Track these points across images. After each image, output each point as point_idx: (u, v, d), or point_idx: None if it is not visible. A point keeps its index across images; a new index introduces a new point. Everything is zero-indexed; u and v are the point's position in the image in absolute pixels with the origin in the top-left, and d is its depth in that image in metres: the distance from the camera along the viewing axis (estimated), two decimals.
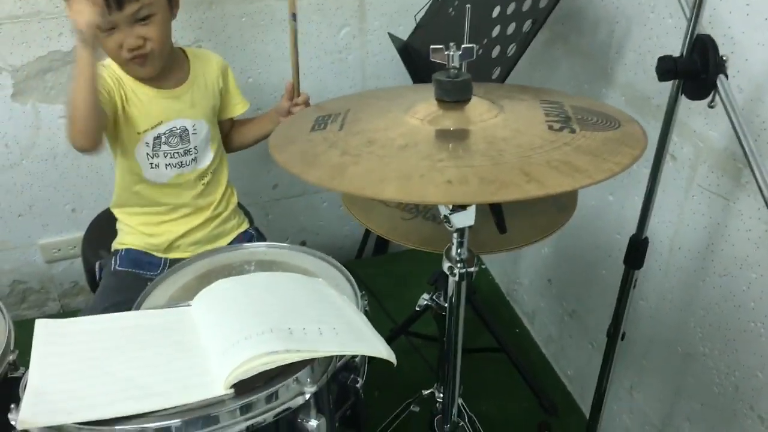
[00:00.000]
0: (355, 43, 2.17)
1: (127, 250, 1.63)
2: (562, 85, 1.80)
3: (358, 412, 1.28)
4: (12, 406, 0.88)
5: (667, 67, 1.10)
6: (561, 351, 2.08)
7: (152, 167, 1.56)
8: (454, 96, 0.91)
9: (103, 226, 1.80)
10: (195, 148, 1.59)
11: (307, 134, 0.91)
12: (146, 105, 1.51)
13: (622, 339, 1.42)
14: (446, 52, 0.89)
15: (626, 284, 1.34)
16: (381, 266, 2.48)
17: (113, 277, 1.59)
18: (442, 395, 1.43)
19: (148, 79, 1.51)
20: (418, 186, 0.75)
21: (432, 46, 0.91)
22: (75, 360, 0.93)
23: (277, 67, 2.12)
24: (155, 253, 1.64)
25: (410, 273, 2.39)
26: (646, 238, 1.30)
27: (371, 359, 1.23)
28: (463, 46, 0.90)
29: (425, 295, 1.48)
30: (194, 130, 1.57)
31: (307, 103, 1.68)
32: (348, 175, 0.78)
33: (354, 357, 1.23)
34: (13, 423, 0.87)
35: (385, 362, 1.69)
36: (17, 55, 1.88)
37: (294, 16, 1.61)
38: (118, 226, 1.69)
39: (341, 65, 2.19)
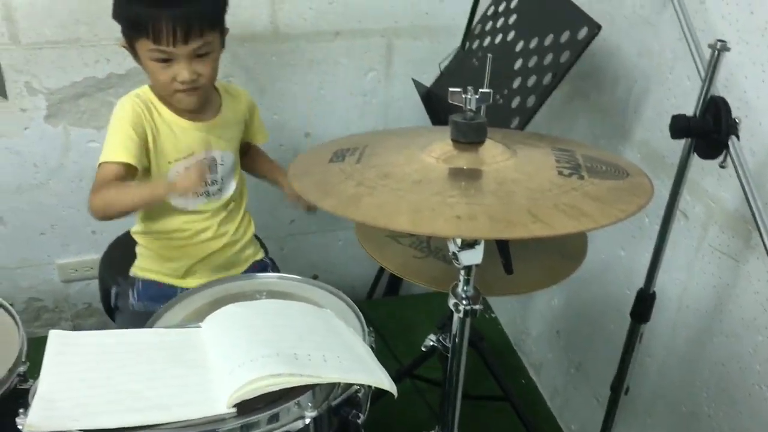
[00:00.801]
0: (380, 87, 2.23)
1: (144, 283, 1.65)
2: (579, 139, 1.83)
3: None
4: (20, 411, 0.91)
5: (680, 126, 1.13)
6: (566, 404, 2.06)
7: (180, 195, 1.58)
8: (469, 137, 0.94)
9: (121, 250, 1.83)
10: (222, 179, 1.62)
11: (326, 165, 0.95)
12: (179, 136, 1.55)
13: (626, 393, 1.42)
14: (464, 95, 0.93)
15: (632, 338, 1.35)
16: (391, 308, 2.49)
17: (130, 316, 1.61)
18: None
19: (183, 112, 1.55)
20: (429, 219, 0.77)
21: (450, 89, 0.95)
22: (84, 370, 0.95)
23: (303, 106, 2.18)
24: (173, 282, 1.65)
25: (419, 317, 2.40)
26: (654, 293, 1.31)
27: (375, 398, 1.25)
28: (480, 90, 0.94)
29: (432, 336, 1.48)
30: (222, 161, 1.61)
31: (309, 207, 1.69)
32: (362, 205, 0.81)
33: (357, 392, 1.24)
34: (20, 428, 0.89)
35: (387, 404, 1.70)
36: (53, 79, 1.95)
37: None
38: (138, 249, 1.70)
39: (366, 107, 2.24)
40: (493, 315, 2.53)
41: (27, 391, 1.23)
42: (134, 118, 1.49)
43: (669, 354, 1.55)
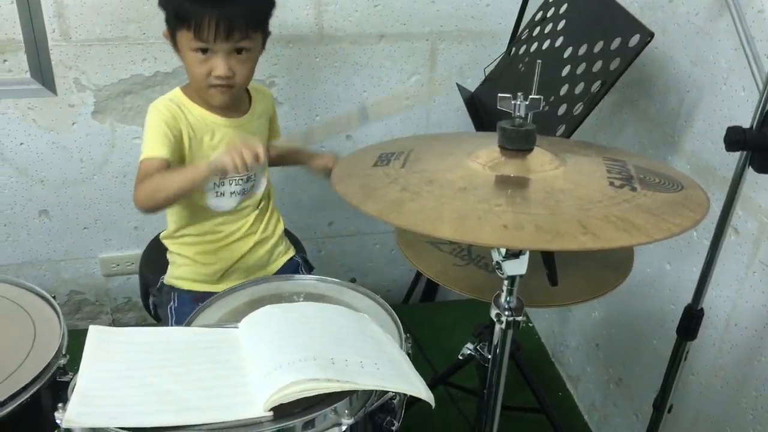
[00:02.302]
0: (423, 91, 2.21)
1: (180, 298, 1.64)
2: (627, 148, 1.80)
3: None
4: (59, 405, 0.91)
5: (735, 138, 1.09)
6: (604, 419, 2.02)
7: (217, 195, 1.59)
8: (517, 144, 0.92)
9: (162, 247, 1.85)
10: (254, 175, 1.63)
11: (369, 169, 0.94)
12: (215, 133, 1.55)
13: (669, 412, 1.37)
14: (513, 102, 0.91)
15: (678, 355, 1.31)
16: (427, 314, 2.47)
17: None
18: None
19: (216, 108, 1.55)
20: (474, 227, 0.75)
21: (500, 95, 0.93)
22: (122, 368, 0.95)
23: (346, 107, 2.17)
24: (208, 288, 1.64)
25: (455, 323, 2.38)
26: (702, 310, 1.27)
27: (409, 405, 1.23)
28: (530, 96, 0.92)
29: (469, 345, 1.47)
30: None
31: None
32: (405, 210, 0.80)
33: (392, 399, 1.23)
34: (58, 422, 0.90)
35: (421, 411, 1.68)
36: (102, 76, 1.98)
37: None
38: (170, 257, 1.70)
39: (407, 111, 2.23)
40: (530, 324, 2.49)
41: (66, 384, 1.25)
42: (169, 119, 1.50)
43: (714, 373, 1.51)
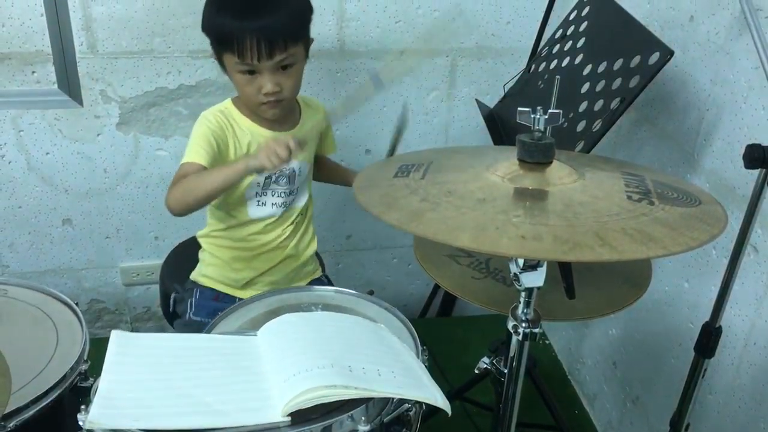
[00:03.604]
0: (442, 107, 2.23)
1: (203, 293, 1.67)
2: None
3: None
4: (82, 407, 0.93)
5: (755, 155, 1.09)
6: None
7: (259, 204, 1.61)
8: (536, 157, 0.93)
9: (182, 257, 1.88)
10: (297, 189, 1.65)
11: (390, 179, 0.95)
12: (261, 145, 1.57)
13: (686, 431, 1.37)
14: (532, 115, 0.92)
15: (695, 373, 1.30)
16: (443, 328, 2.47)
17: (188, 329, 1.64)
18: None
19: (265, 122, 1.58)
20: (492, 237, 0.77)
21: (519, 108, 0.94)
22: (144, 371, 0.97)
23: (364, 122, 2.19)
24: (231, 292, 1.67)
25: (472, 339, 2.38)
26: (720, 327, 1.26)
27: (424, 419, 1.23)
28: (549, 111, 0.93)
29: (485, 359, 1.47)
30: (299, 171, 1.63)
31: None
32: (425, 220, 0.81)
33: (408, 410, 1.23)
34: (81, 423, 0.92)
35: (437, 425, 1.67)
36: (127, 88, 2.02)
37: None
38: (202, 255, 1.73)
39: (426, 126, 2.25)
40: (547, 342, 2.48)
41: (87, 389, 1.27)
42: (217, 129, 1.53)
43: (732, 392, 1.50)
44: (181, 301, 1.70)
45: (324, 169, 1.83)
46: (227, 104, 1.59)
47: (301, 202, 1.68)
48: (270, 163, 1.32)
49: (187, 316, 1.66)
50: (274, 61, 1.45)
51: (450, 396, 1.93)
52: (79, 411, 0.95)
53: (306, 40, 1.54)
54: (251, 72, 1.47)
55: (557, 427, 1.91)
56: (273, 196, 1.62)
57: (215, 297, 1.67)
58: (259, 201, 1.61)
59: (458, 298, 2.52)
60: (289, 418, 0.89)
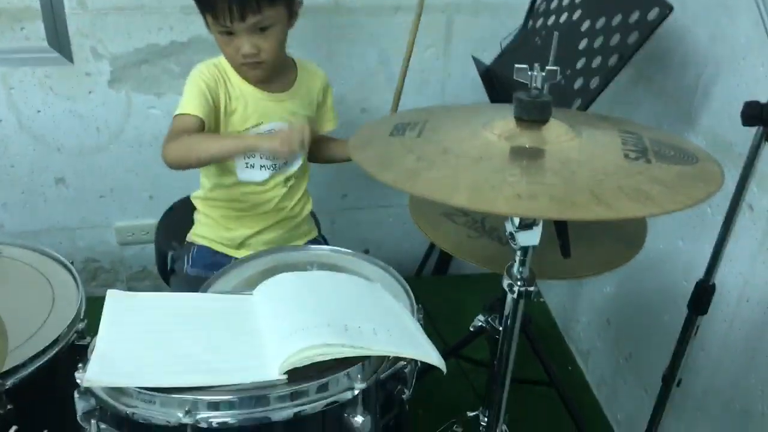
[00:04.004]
0: (438, 64, 2.21)
1: (200, 250, 1.68)
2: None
3: (401, 423, 1.29)
4: (79, 366, 0.94)
5: (752, 113, 1.09)
6: (613, 394, 2.03)
7: (247, 166, 1.61)
8: (533, 115, 0.92)
9: (177, 216, 1.87)
10: None
11: (386, 138, 0.94)
12: (250, 105, 1.56)
13: (678, 385, 1.39)
14: (530, 72, 0.91)
15: (688, 329, 1.32)
16: (438, 287, 2.48)
17: (183, 282, 1.65)
18: (486, 419, 1.43)
19: (259, 81, 1.57)
20: (489, 196, 0.76)
21: (516, 65, 0.93)
22: (140, 331, 0.98)
23: (360, 80, 2.17)
24: (227, 251, 1.68)
25: (467, 297, 2.39)
26: (714, 285, 1.27)
27: (419, 376, 1.25)
28: (547, 67, 0.92)
29: (480, 317, 1.48)
30: None
31: None
32: (421, 179, 0.81)
33: (404, 367, 1.25)
34: (78, 381, 0.92)
35: (432, 381, 1.69)
36: (118, 45, 1.99)
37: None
38: (196, 216, 1.74)
39: (422, 84, 2.22)
40: (542, 300, 2.50)
41: (84, 348, 1.28)
42: (210, 81, 1.53)
43: (724, 348, 1.51)
44: (179, 258, 1.71)
45: (323, 149, 1.78)
46: (221, 59, 1.58)
47: (294, 166, 1.67)
48: (284, 152, 1.38)
49: (184, 270, 1.66)
50: (248, 23, 1.44)
51: (445, 353, 1.95)
52: (76, 369, 0.95)
53: (288, 3, 1.51)
54: (229, 33, 1.46)
55: (551, 383, 1.93)
56: (261, 158, 1.61)
57: (212, 254, 1.68)
58: (247, 163, 1.61)
59: (452, 256, 2.54)
60: (286, 376, 0.90)
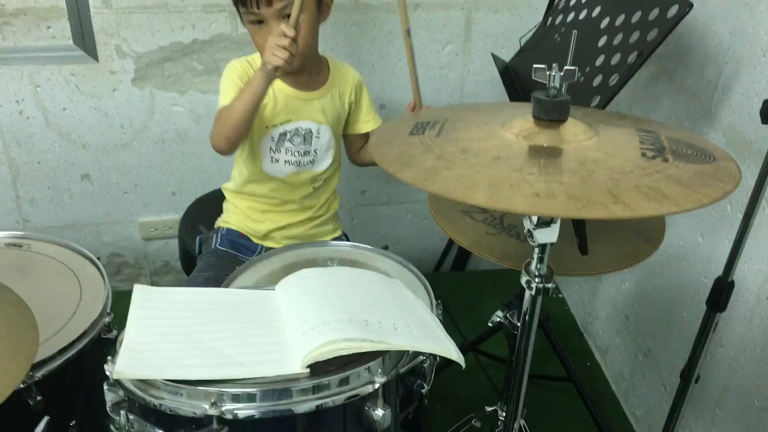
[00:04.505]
0: (457, 60, 2.22)
1: (228, 230, 1.73)
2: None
3: (420, 417, 1.31)
4: (108, 358, 0.97)
5: None
6: (631, 390, 2.04)
7: (272, 161, 1.64)
8: (551, 115, 0.93)
9: (200, 211, 1.91)
10: (315, 151, 1.66)
11: (406, 137, 0.96)
12: (280, 101, 1.59)
13: (696, 382, 1.39)
14: (548, 72, 0.92)
15: (707, 326, 1.32)
16: (457, 282, 2.50)
17: (213, 255, 1.69)
18: (504, 413, 1.44)
19: (287, 78, 1.59)
20: (507, 195, 0.78)
21: (535, 65, 0.94)
22: (167, 324, 1.00)
23: (381, 76, 2.19)
24: (252, 238, 1.72)
25: (485, 293, 2.40)
26: (732, 282, 1.28)
27: (439, 370, 1.27)
28: (565, 67, 0.93)
29: (499, 313, 1.49)
30: (318, 134, 1.64)
31: None
32: (440, 178, 0.82)
33: (423, 362, 1.27)
34: (108, 374, 0.95)
35: (451, 376, 1.70)
36: (141, 43, 2.02)
37: (409, 31, 1.64)
38: (225, 205, 1.79)
39: (441, 81, 2.24)
40: (560, 295, 2.51)
41: (110, 341, 1.31)
42: (242, 73, 1.57)
43: (744, 346, 1.51)
44: (207, 239, 1.76)
45: (362, 151, 1.81)
46: (255, 56, 1.61)
47: (321, 166, 1.69)
48: (277, 58, 1.39)
49: (213, 246, 1.71)
50: (275, 7, 1.46)
51: (463, 348, 1.98)
52: (104, 362, 0.98)
53: None
54: (259, 22, 1.49)
55: (569, 378, 1.94)
56: (286, 153, 1.63)
57: (239, 235, 1.73)
58: (272, 157, 1.64)
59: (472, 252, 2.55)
60: (308, 370, 0.92)
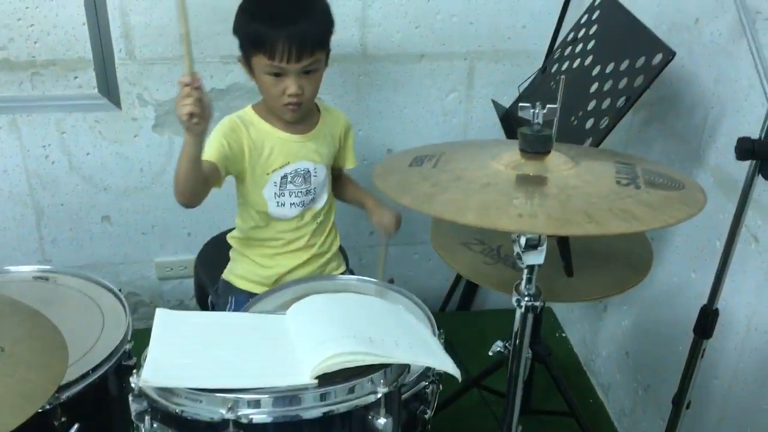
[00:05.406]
0: (460, 108, 2.33)
1: (237, 299, 1.77)
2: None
3: None
4: (133, 371, 1.05)
5: (745, 147, 1.18)
6: (633, 425, 2.08)
7: (278, 205, 1.72)
8: (535, 147, 1.03)
9: (214, 251, 1.99)
10: (314, 189, 1.75)
11: (406, 168, 1.06)
12: (275, 147, 1.68)
13: (687, 408, 1.44)
14: (532, 110, 1.02)
15: (695, 353, 1.39)
16: (463, 321, 2.55)
17: None
18: None
19: (282, 124, 1.69)
20: (494, 215, 0.87)
21: (520, 104, 1.04)
22: (187, 342, 1.09)
23: (387, 123, 2.29)
24: (262, 290, 1.75)
25: (490, 332, 2.45)
26: (717, 310, 1.35)
27: (444, 405, 1.32)
28: (548, 105, 1.03)
29: (499, 342, 1.56)
30: (315, 172, 1.73)
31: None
32: (436, 201, 0.91)
33: (425, 388, 1.34)
34: (133, 385, 1.03)
35: (456, 410, 1.75)
36: (162, 92, 2.14)
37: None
38: (232, 255, 1.84)
39: (445, 127, 2.34)
40: (563, 335, 2.56)
41: (130, 368, 1.39)
42: (228, 132, 1.64)
43: (736, 376, 1.56)
44: (217, 304, 1.82)
45: (341, 186, 1.91)
46: (247, 110, 1.71)
47: (320, 202, 1.78)
48: (181, 111, 1.38)
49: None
50: (302, 64, 1.56)
51: (468, 384, 2.04)
52: (122, 387, 1.07)
53: (328, 49, 1.65)
54: (278, 74, 1.58)
55: (572, 413, 1.99)
56: (291, 196, 1.72)
57: (249, 296, 1.76)
58: (278, 202, 1.72)
59: (476, 292, 2.61)
60: (317, 381, 1.00)
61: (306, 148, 1.72)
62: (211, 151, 1.60)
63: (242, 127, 1.66)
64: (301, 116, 1.68)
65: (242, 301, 1.76)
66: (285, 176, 1.70)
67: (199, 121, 1.40)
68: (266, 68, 1.58)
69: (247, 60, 1.63)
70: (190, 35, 1.39)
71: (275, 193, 1.71)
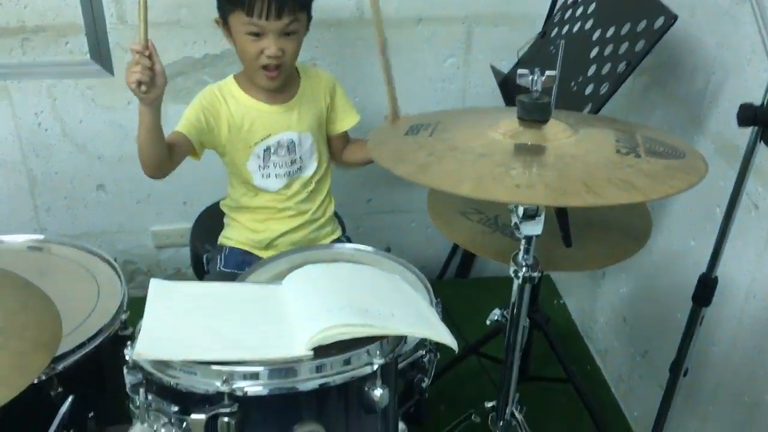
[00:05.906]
0: (458, 73, 2.29)
1: (231, 250, 1.78)
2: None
3: (420, 410, 1.38)
4: (127, 343, 1.04)
5: (747, 114, 1.16)
6: (630, 391, 2.08)
7: (263, 177, 1.71)
8: (534, 116, 1.01)
9: (210, 220, 1.98)
10: (300, 158, 1.73)
11: (401, 137, 1.04)
12: (257, 120, 1.66)
13: (685, 375, 1.44)
14: (530, 77, 1.00)
15: (693, 321, 1.38)
16: (460, 289, 2.55)
17: (219, 276, 1.75)
18: (496, 402, 1.49)
19: (262, 95, 1.66)
20: (491, 186, 0.85)
21: (518, 71, 1.02)
22: (182, 313, 1.08)
23: (383, 90, 2.23)
24: (256, 252, 1.78)
25: (488, 299, 2.40)
26: (716, 278, 1.34)
27: (442, 372, 1.32)
28: (546, 72, 1.00)
29: (497, 311, 1.55)
30: (300, 141, 1.71)
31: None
32: (431, 171, 0.90)
33: (422, 357, 1.33)
34: (127, 358, 1.03)
35: (456, 378, 1.75)
36: None
37: (385, 47, 1.64)
38: (226, 221, 1.85)
39: (443, 93, 2.31)
40: (562, 302, 2.56)
41: (126, 338, 1.39)
42: (209, 106, 1.63)
43: (734, 343, 1.56)
44: (212, 259, 1.82)
45: (351, 151, 1.85)
46: (228, 80, 1.68)
47: (309, 170, 1.76)
48: (129, 78, 1.37)
49: (218, 268, 1.77)
50: (282, 22, 1.52)
51: (466, 351, 2.04)
52: (119, 357, 1.06)
53: (309, 12, 1.61)
54: (257, 34, 1.54)
55: (569, 380, 1.99)
56: (275, 167, 1.70)
57: (242, 253, 1.78)
58: (263, 174, 1.70)
59: (474, 260, 2.60)
60: (312, 353, 0.99)
61: (287, 118, 1.69)
62: (184, 123, 1.60)
63: (221, 100, 1.64)
64: (281, 84, 1.64)
65: (236, 251, 1.77)
66: (268, 148, 1.68)
67: (147, 89, 1.39)
68: (244, 27, 1.54)
69: (224, 19, 1.59)
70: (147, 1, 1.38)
71: (259, 165, 1.69)
